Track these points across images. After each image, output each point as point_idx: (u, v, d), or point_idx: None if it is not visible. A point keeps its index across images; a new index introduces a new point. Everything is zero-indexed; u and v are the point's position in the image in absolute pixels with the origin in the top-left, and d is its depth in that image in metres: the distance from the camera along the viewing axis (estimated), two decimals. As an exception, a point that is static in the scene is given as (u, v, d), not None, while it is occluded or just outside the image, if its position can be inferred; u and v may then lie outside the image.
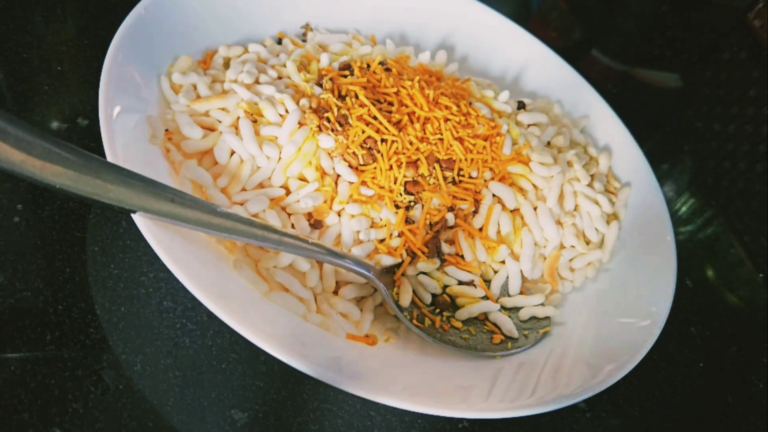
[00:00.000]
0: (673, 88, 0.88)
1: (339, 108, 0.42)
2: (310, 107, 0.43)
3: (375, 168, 0.41)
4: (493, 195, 0.44)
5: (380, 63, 0.47)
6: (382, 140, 0.42)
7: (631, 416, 0.42)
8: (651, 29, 0.99)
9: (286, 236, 0.34)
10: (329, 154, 0.41)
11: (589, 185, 0.49)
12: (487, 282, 0.43)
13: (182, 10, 0.45)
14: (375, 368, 0.34)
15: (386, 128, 0.42)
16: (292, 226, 0.39)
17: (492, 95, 0.52)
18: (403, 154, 0.42)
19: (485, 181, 0.44)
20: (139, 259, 0.38)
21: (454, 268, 0.41)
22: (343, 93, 0.44)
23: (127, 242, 0.38)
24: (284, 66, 0.47)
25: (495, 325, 0.41)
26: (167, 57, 0.43)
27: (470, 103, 0.49)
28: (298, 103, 0.42)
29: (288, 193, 0.40)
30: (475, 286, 0.41)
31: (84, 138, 0.43)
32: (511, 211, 0.44)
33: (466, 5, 0.60)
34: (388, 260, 0.40)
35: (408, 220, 0.42)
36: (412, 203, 0.42)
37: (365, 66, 0.47)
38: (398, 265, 0.40)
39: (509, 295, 0.43)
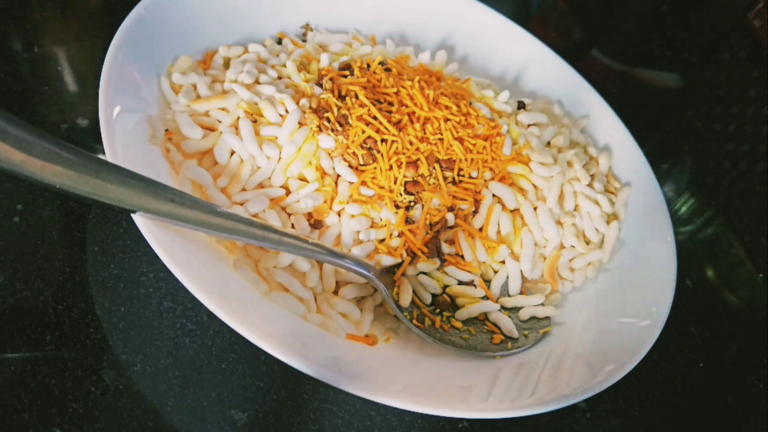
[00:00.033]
0: (673, 88, 0.88)
1: (339, 108, 0.42)
2: (310, 107, 0.43)
3: (375, 168, 0.41)
4: (493, 195, 0.44)
5: (380, 63, 0.47)
6: (382, 140, 0.42)
7: (631, 416, 0.42)
8: (651, 29, 0.99)
9: (286, 236, 0.34)
10: (329, 154, 0.41)
11: (589, 185, 0.49)
12: (487, 282, 0.43)
13: (182, 10, 0.45)
14: (375, 368, 0.34)
15: (386, 128, 0.42)
16: (292, 226, 0.39)
17: (492, 95, 0.52)
18: (403, 154, 0.42)
19: (485, 181, 0.44)
20: (139, 259, 0.38)
21: (454, 268, 0.41)
22: (343, 93, 0.44)
23: (127, 242, 0.38)
24: (284, 66, 0.47)
25: (495, 325, 0.41)
26: (167, 57, 0.43)
27: (470, 103, 0.49)
28: (298, 103, 0.42)
29: (288, 193, 0.40)
30: (475, 286, 0.41)
31: (84, 138, 0.43)
32: (511, 211, 0.44)
33: (466, 5, 0.60)
34: (388, 260, 0.40)
35: (408, 220, 0.42)
36: (412, 203, 0.42)
37: (365, 66, 0.47)
38: (398, 265, 0.40)
39: (509, 295, 0.43)
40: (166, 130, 0.40)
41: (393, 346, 0.37)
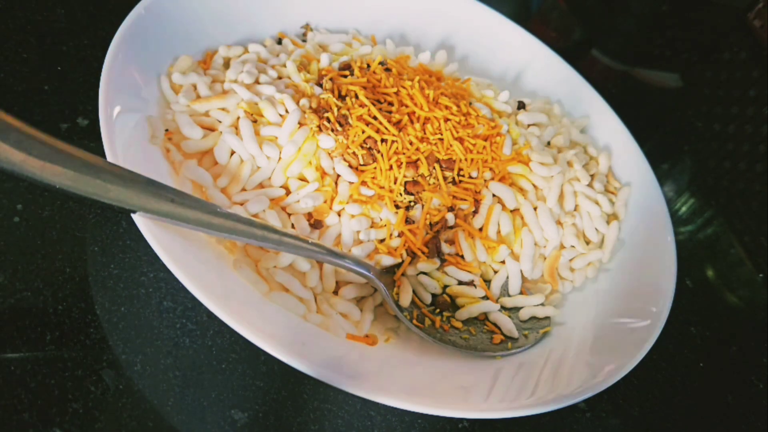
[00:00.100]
0: (673, 88, 0.88)
1: (339, 108, 0.42)
2: (310, 107, 0.43)
3: (375, 168, 0.41)
4: (493, 195, 0.44)
5: (380, 63, 0.47)
6: (382, 140, 0.42)
7: (631, 416, 0.42)
8: (651, 29, 0.99)
9: (286, 236, 0.34)
10: (329, 154, 0.41)
11: (589, 185, 0.49)
12: (487, 282, 0.43)
13: (182, 10, 0.45)
14: (375, 368, 0.34)
15: (386, 128, 0.42)
16: (292, 226, 0.39)
17: (492, 95, 0.52)
18: (403, 154, 0.42)
19: (485, 181, 0.44)
20: (139, 259, 0.38)
21: (454, 268, 0.41)
22: (343, 93, 0.44)
23: (127, 242, 0.38)
24: (284, 66, 0.47)
25: (495, 325, 0.41)
26: (167, 57, 0.43)
27: (470, 103, 0.49)
28: (298, 103, 0.42)
29: (288, 193, 0.40)
30: (475, 286, 0.41)
31: (84, 138, 0.43)
32: (511, 211, 0.44)
33: (466, 5, 0.60)
34: (388, 260, 0.40)
35: (408, 220, 0.42)
36: (412, 203, 0.42)
37: (365, 66, 0.47)
38: (398, 265, 0.40)
39: (509, 295, 0.43)
40: (166, 130, 0.40)
41: (393, 346, 0.37)
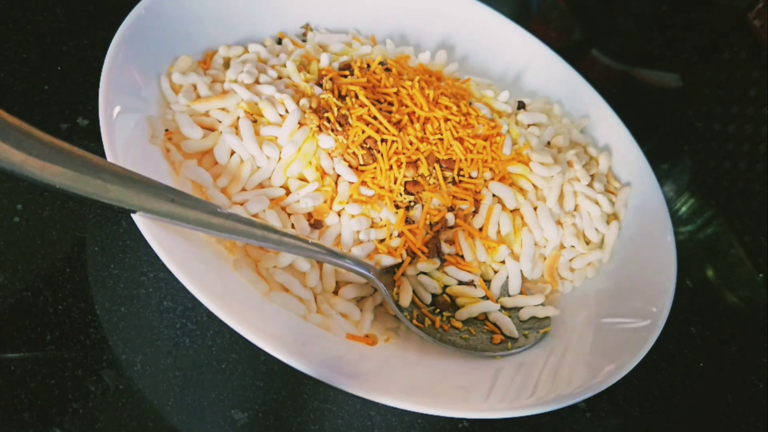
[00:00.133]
0: (673, 88, 0.88)
1: (339, 108, 0.42)
2: (310, 107, 0.43)
3: (375, 168, 0.41)
4: (493, 195, 0.44)
5: (380, 63, 0.47)
6: (382, 140, 0.42)
7: (631, 416, 0.42)
8: (651, 29, 0.99)
9: (286, 236, 0.34)
10: (329, 154, 0.41)
11: (589, 185, 0.49)
12: (487, 282, 0.43)
13: (182, 10, 0.45)
14: (375, 368, 0.34)
15: (386, 128, 0.42)
16: (292, 226, 0.39)
17: (492, 95, 0.52)
18: (403, 154, 0.42)
19: (485, 181, 0.44)
20: (139, 259, 0.38)
21: (454, 268, 0.41)
22: (343, 93, 0.44)
23: (127, 242, 0.38)
24: (284, 66, 0.47)
25: (495, 325, 0.41)
26: (167, 57, 0.43)
27: (470, 103, 0.49)
28: (298, 103, 0.42)
29: (288, 193, 0.40)
30: (475, 286, 0.41)
31: (84, 138, 0.43)
32: (511, 211, 0.44)
33: (466, 5, 0.60)
34: (388, 260, 0.40)
35: (408, 220, 0.42)
36: (412, 203, 0.42)
37: (365, 66, 0.47)
38: (398, 265, 0.40)
39: (509, 295, 0.43)
40: (166, 130, 0.40)
41: (393, 346, 0.37)
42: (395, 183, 0.41)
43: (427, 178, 0.42)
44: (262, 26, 0.52)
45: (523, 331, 0.40)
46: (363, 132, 0.41)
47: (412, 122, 0.44)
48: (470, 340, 0.39)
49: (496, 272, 0.43)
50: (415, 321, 0.38)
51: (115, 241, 0.38)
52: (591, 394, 0.34)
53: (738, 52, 0.96)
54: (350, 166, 0.41)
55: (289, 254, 0.36)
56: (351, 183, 0.41)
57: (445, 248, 0.41)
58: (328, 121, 0.42)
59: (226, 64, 0.47)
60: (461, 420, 0.37)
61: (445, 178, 0.43)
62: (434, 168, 0.43)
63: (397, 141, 0.42)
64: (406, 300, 0.39)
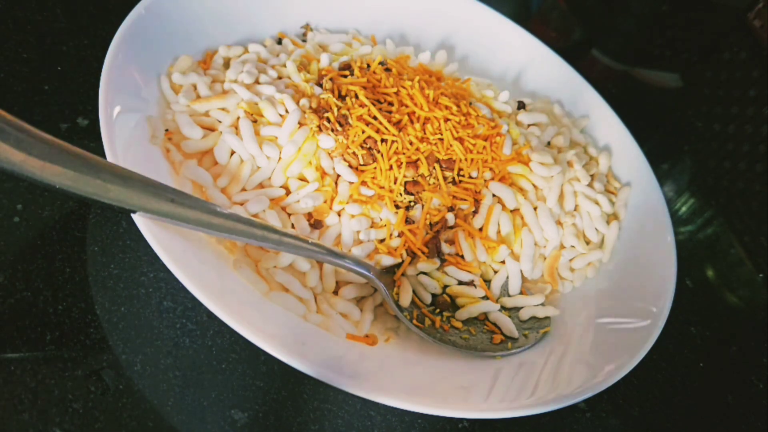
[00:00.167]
0: (673, 88, 0.88)
1: (339, 108, 0.42)
2: (310, 107, 0.43)
3: (375, 168, 0.41)
4: (493, 195, 0.44)
5: (380, 63, 0.47)
6: (382, 140, 0.42)
7: (631, 416, 0.42)
8: (651, 29, 0.99)
9: (286, 236, 0.34)
10: (329, 154, 0.41)
11: (589, 185, 0.49)
12: (487, 282, 0.43)
13: (182, 10, 0.45)
14: (375, 368, 0.34)
15: (386, 128, 0.42)
16: (292, 226, 0.39)
17: (492, 95, 0.52)
18: (403, 154, 0.42)
19: (485, 181, 0.44)
20: (139, 259, 0.38)
21: (454, 268, 0.41)
22: (343, 93, 0.44)
23: (127, 242, 0.38)
24: (284, 66, 0.47)
25: (495, 325, 0.41)
26: (167, 57, 0.43)
27: (470, 103, 0.49)
28: (298, 103, 0.42)
29: (288, 193, 0.40)
30: (475, 286, 0.41)
31: (84, 138, 0.43)
32: (511, 211, 0.44)
33: (466, 5, 0.60)
34: (388, 260, 0.40)
35: (408, 220, 0.42)
36: (412, 203, 0.42)
37: (365, 66, 0.47)
38: (398, 265, 0.40)
39: (509, 295, 0.43)
40: (166, 130, 0.40)
41: (393, 346, 0.37)
42: (395, 183, 0.41)
43: (427, 178, 0.42)
44: (262, 26, 0.52)
45: (523, 331, 0.40)
46: (363, 132, 0.41)
47: (412, 122, 0.44)
48: (470, 340, 0.39)
49: (496, 272, 0.43)
50: (415, 321, 0.38)
51: (115, 241, 0.38)
52: (591, 394, 0.34)
53: (738, 52, 0.96)
54: (350, 166, 0.41)
55: (289, 254, 0.36)
56: (351, 183, 0.41)
57: (445, 248, 0.41)
58: (328, 121, 0.42)
59: (226, 64, 0.47)
60: (461, 420, 0.37)
61: (445, 178, 0.43)
62: (434, 168, 0.43)
63: (397, 141, 0.42)
64: (406, 300, 0.39)
